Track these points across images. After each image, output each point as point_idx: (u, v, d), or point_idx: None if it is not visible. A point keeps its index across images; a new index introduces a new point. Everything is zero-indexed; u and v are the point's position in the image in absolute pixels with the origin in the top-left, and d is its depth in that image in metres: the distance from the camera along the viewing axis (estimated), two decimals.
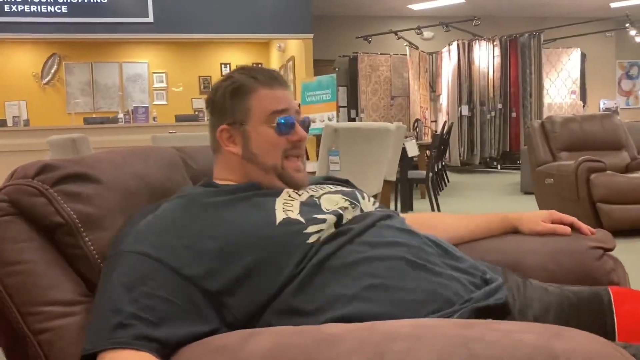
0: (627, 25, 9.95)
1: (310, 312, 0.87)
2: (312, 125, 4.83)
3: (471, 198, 6.47)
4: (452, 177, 8.39)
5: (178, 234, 0.91)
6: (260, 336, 0.75)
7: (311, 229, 0.95)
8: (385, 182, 3.88)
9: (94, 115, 8.08)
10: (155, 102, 9.07)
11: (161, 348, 0.80)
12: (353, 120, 9.62)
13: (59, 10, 6.86)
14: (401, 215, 1.17)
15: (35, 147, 5.12)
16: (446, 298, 0.90)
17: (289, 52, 8.50)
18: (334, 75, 5.03)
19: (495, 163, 9.75)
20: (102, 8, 6.97)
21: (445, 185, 7.36)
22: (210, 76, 9.29)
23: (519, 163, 7.31)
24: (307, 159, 5.43)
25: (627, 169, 4.53)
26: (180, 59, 9.15)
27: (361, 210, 1.07)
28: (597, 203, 3.88)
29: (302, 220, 0.96)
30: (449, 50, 9.36)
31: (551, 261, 1.15)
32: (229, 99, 1.09)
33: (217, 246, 0.90)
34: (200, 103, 9.14)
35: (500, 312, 0.93)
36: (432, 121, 10.06)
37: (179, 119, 7.18)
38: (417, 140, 6.87)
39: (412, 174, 5.42)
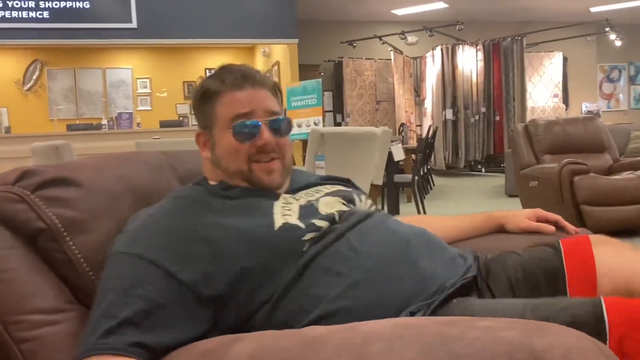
0: (607, 29, 10.10)
1: (296, 312, 0.87)
2: (298, 130, 4.86)
3: (457, 201, 6.51)
4: (438, 180, 8.44)
5: (174, 236, 0.90)
6: (243, 341, 0.75)
7: (309, 235, 0.94)
8: (372, 186, 3.90)
9: (77, 122, 8.00)
10: (139, 108, 9.01)
11: (152, 355, 0.79)
12: (339, 124, 9.64)
13: (41, 16, 6.80)
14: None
15: (17, 155, 5.06)
16: (428, 291, 0.92)
17: (274, 57, 8.50)
18: (320, 80, 5.04)
19: (479, 166, 9.83)
20: (85, 13, 6.91)
21: (431, 189, 7.40)
22: (194, 81, 9.26)
23: (503, 166, 7.37)
24: (293, 163, 5.45)
25: (609, 171, 4.59)
26: (164, 64, 9.11)
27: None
28: (581, 205, 3.93)
29: (302, 225, 0.95)
30: (433, 55, 9.43)
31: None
32: (200, 105, 1.09)
33: (213, 251, 0.89)
34: (185, 108, 9.11)
35: (468, 288, 0.99)
36: (417, 125, 10.11)
37: (164, 124, 7.14)
38: (402, 144, 6.91)
39: (398, 177, 5.44)
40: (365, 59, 10.03)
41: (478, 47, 9.32)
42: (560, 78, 10.26)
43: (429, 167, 7.33)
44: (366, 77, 10.08)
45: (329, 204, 1.04)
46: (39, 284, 0.89)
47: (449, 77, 9.24)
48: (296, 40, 7.53)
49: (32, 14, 6.77)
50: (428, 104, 9.73)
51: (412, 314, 0.88)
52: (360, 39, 9.87)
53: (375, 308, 0.86)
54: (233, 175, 1.05)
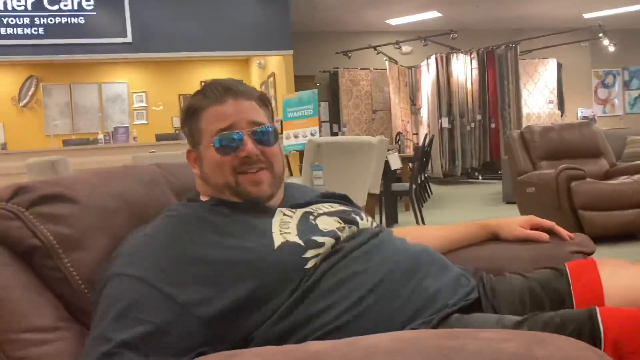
0: (600, 35, 10.17)
1: (298, 329, 0.87)
2: (295, 141, 4.87)
3: (455, 209, 6.51)
4: (435, 188, 8.45)
5: (170, 258, 0.89)
6: (243, 356, 0.74)
7: (310, 253, 0.93)
8: (370, 195, 3.90)
9: (73, 137, 8.01)
10: (135, 122, 9.02)
11: None
12: (336, 134, 9.67)
13: (36, 32, 6.82)
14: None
15: (13, 171, 5.05)
16: (433, 308, 0.92)
17: (269, 68, 8.53)
18: (315, 90, 5.06)
19: (476, 174, 9.85)
20: (80, 29, 6.94)
21: (429, 197, 7.40)
22: (190, 94, 9.27)
23: (500, 173, 7.39)
24: (290, 174, 5.44)
25: (606, 176, 4.59)
26: (159, 78, 9.13)
27: (357, 229, 1.05)
28: (578, 210, 3.93)
29: (301, 242, 0.94)
30: (428, 64, 9.48)
31: (533, 267, 1.17)
32: (186, 122, 1.09)
33: (212, 273, 0.88)
34: None
35: (469, 307, 0.97)
36: (413, 134, 10.14)
37: (160, 138, 7.15)
38: (399, 153, 6.92)
39: (395, 186, 5.44)
40: (361, 69, 10.08)
41: (472, 55, 9.37)
42: (555, 84, 10.31)
43: (426, 175, 7.34)
44: (362, 87, 10.12)
45: (327, 222, 1.03)
46: (34, 301, 0.88)
47: (444, 86, 9.27)
48: (291, 52, 7.56)
49: (28, 30, 6.80)
50: (424, 113, 9.76)
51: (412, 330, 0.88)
52: (355, 49, 9.92)
53: (378, 325, 0.86)
54: (222, 189, 1.04)
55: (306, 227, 0.99)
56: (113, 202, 1.05)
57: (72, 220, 0.95)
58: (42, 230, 0.90)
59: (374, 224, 1.13)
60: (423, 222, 5.18)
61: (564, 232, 1.24)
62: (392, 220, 5.42)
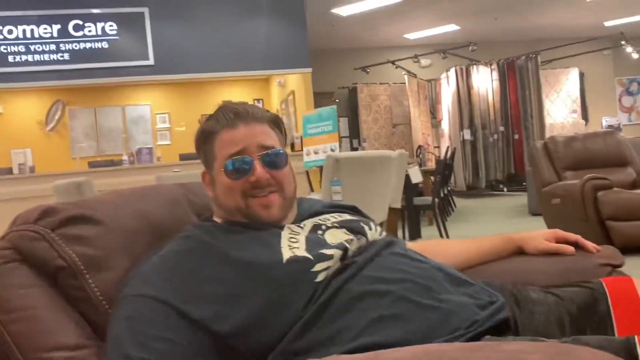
0: (622, 42, 10.04)
1: (316, 349, 0.86)
2: (315, 157, 4.88)
3: (479, 222, 6.44)
4: (459, 202, 8.36)
5: (184, 276, 0.90)
6: None
7: (319, 266, 0.93)
8: (391, 209, 3.88)
9: (98, 159, 8.15)
10: (159, 143, 9.14)
11: None
12: (355, 149, 9.67)
13: (62, 58, 6.99)
14: (407, 243, 1.16)
15: (41, 193, 5.15)
16: (454, 324, 0.89)
17: (289, 86, 8.60)
18: (335, 106, 5.08)
19: (501, 186, 9.73)
20: (104, 53, 7.10)
21: (453, 211, 7.32)
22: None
23: (525, 184, 7.29)
24: (311, 189, 5.43)
25: (634, 185, 4.50)
26: (182, 98, 9.26)
27: (367, 240, 1.05)
28: (606, 221, 3.84)
29: (310, 256, 0.94)
30: (447, 77, 9.45)
31: (561, 280, 1.14)
32: (201, 147, 1.12)
33: (224, 289, 0.89)
34: None
35: (502, 329, 0.94)
36: (435, 147, 10.09)
37: (183, 157, 7.22)
38: (420, 166, 6.88)
39: (417, 200, 5.40)
40: (380, 83, 10.10)
41: (492, 67, 9.31)
42: (577, 94, 10.19)
43: (449, 188, 7.28)
44: (381, 101, 10.13)
45: (335, 235, 1.03)
46: (60, 321, 0.90)
47: (465, 98, 9.22)
48: (310, 69, 7.62)
49: (53, 57, 6.97)
50: (445, 125, 9.71)
51: None
52: (373, 64, 9.95)
53: (399, 342, 0.84)
54: (233, 212, 1.06)
55: (315, 240, 1.00)
56: (136, 222, 1.07)
57: (96, 241, 0.97)
58: (67, 251, 0.93)
59: (384, 234, 1.12)
60: (447, 236, 5.12)
61: (589, 244, 1.21)
62: (415, 234, 5.38)
